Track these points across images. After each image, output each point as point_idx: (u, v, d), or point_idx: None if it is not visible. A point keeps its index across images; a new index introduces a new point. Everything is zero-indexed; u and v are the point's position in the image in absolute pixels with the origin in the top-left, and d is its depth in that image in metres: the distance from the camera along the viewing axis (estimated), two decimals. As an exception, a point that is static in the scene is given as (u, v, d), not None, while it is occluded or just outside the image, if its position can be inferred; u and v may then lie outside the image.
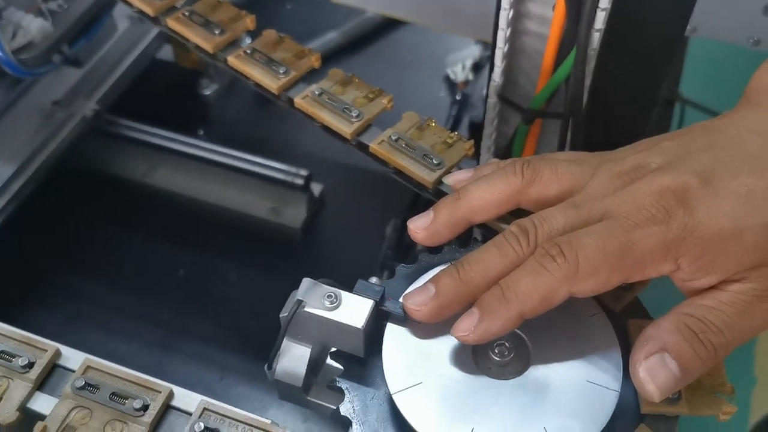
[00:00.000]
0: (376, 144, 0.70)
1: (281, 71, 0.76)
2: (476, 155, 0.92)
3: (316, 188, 1.24)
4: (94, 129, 1.21)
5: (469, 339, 0.53)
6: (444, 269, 0.56)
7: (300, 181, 1.18)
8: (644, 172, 0.54)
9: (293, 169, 1.19)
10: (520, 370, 0.55)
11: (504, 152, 0.92)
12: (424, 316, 0.55)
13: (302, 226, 1.22)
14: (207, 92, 1.39)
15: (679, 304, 0.53)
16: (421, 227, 0.60)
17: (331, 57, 1.44)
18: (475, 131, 1.29)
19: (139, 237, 1.24)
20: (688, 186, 0.52)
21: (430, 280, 0.56)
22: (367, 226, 1.22)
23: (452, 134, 0.72)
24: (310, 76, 0.78)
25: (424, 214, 0.60)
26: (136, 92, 1.28)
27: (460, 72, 1.42)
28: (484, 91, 1.36)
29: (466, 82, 1.42)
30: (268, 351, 0.62)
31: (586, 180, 0.56)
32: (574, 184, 0.57)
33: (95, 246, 1.22)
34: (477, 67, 1.44)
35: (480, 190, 0.59)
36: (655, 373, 0.50)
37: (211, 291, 1.19)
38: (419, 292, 0.56)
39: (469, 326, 0.53)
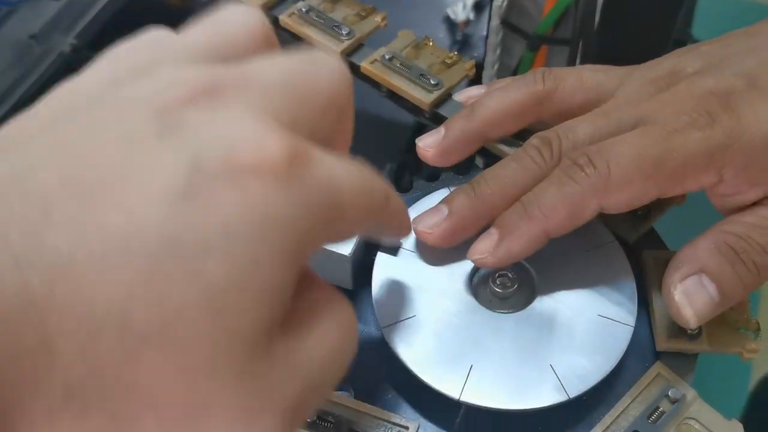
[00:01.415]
0: (367, 63, 0.64)
1: (265, -13, 0.70)
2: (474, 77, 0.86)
3: (309, 131, 1.18)
4: (73, 66, 1.14)
5: (488, 261, 0.48)
6: (457, 188, 0.51)
7: (291, 123, 1.12)
8: (682, 76, 0.49)
9: (284, 110, 1.13)
10: (524, 303, 0.50)
11: (507, 85, 0.86)
12: (437, 239, 0.49)
13: (294, 170, 1.16)
14: (194, 31, 1.32)
15: (719, 222, 0.48)
16: (431, 145, 0.54)
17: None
18: (479, 72, 1.23)
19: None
20: (733, 89, 0.46)
21: (442, 201, 0.51)
22: (362, 170, 1.16)
23: (452, 54, 0.66)
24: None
25: (433, 131, 0.55)
26: (118, 31, 1.21)
27: (460, 11, 1.35)
28: (486, 30, 1.30)
29: (467, 22, 1.34)
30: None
31: (614, 88, 0.51)
32: (601, 92, 0.52)
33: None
34: (478, 7, 1.36)
35: (496, 100, 0.53)
36: (692, 297, 0.45)
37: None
38: (430, 213, 0.50)
39: (487, 247, 0.47)
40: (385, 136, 1.14)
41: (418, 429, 0.47)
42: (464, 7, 1.35)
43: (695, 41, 1.27)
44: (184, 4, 1.33)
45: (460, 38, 1.32)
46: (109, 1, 1.17)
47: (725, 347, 0.49)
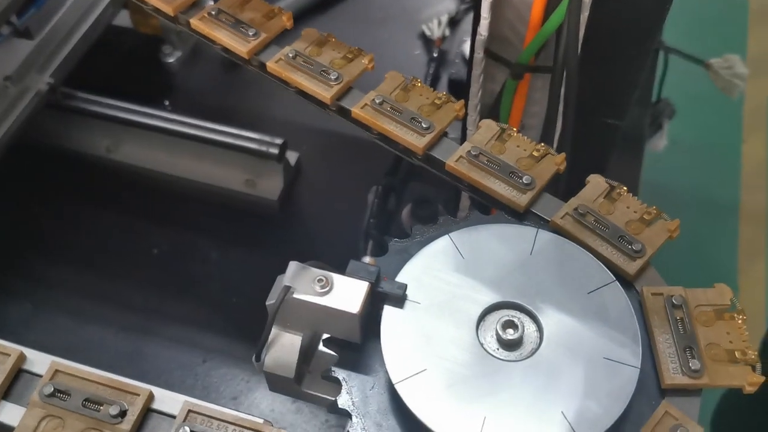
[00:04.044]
0: (358, 108, 0.65)
1: (251, 33, 0.70)
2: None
3: (292, 157, 1.18)
4: (51, 104, 1.13)
5: None
6: None
7: (274, 151, 1.12)
8: None
9: (267, 138, 1.13)
10: (531, 350, 0.51)
11: (491, 110, 0.87)
12: None
13: (279, 197, 1.16)
14: (170, 60, 1.31)
15: None
16: None
17: (297, 18, 1.36)
18: (456, 89, 1.24)
19: (108, 217, 1.18)
20: None
21: None
22: (348, 194, 1.17)
23: (440, 95, 0.66)
24: (282, 38, 0.72)
25: None
26: (93, 63, 1.20)
27: (436, 28, 1.36)
28: (463, 47, 1.31)
29: (443, 39, 1.36)
30: (251, 330, 0.57)
31: None
32: None
33: (61, 228, 1.16)
34: (453, 23, 1.38)
35: None
36: None
37: (188, 270, 1.14)
38: None
39: None
40: (371, 159, 1.15)
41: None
42: (440, 24, 1.36)
43: (667, 47, 1.30)
44: (157, 33, 1.32)
45: (437, 55, 1.33)
46: (83, 36, 1.15)
47: (726, 381, 0.51)
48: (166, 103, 1.28)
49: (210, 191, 1.17)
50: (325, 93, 0.66)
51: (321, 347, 0.57)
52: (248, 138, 1.13)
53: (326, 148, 1.24)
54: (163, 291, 1.12)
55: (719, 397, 1.31)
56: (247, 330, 0.59)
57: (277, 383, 0.57)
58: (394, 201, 1.11)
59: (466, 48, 1.26)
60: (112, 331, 1.07)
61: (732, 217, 1.90)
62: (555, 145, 0.85)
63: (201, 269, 1.13)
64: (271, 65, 0.68)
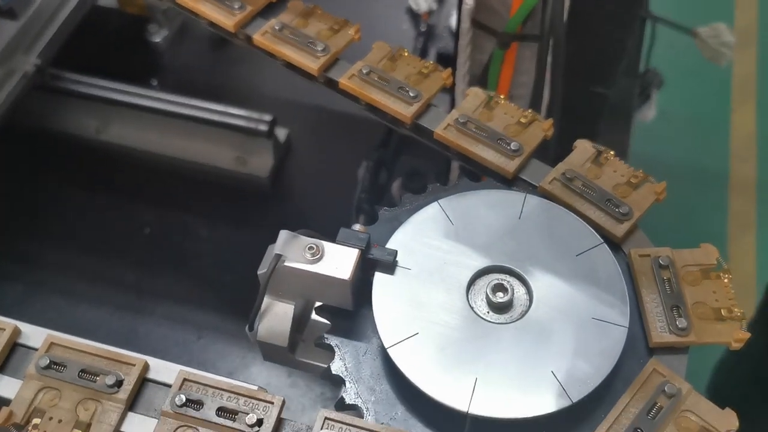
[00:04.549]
0: (346, 79, 0.65)
1: (236, 6, 0.69)
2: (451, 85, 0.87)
3: (281, 133, 1.18)
4: (38, 85, 1.12)
5: None
6: None
7: (264, 127, 1.12)
8: None
9: (256, 115, 1.13)
10: (521, 312, 0.52)
11: (479, 81, 0.87)
12: None
13: (270, 174, 1.16)
14: (157, 39, 1.31)
15: None
16: None
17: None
18: (444, 63, 1.24)
19: (99, 197, 1.18)
20: None
21: None
22: (338, 169, 1.17)
23: (427, 63, 0.66)
24: (268, 11, 0.72)
25: None
26: (79, 43, 1.19)
27: (422, 2, 1.35)
28: (450, 21, 1.31)
29: (430, 13, 1.35)
30: (244, 306, 0.57)
31: None
32: None
33: (52, 209, 1.16)
34: (440, -4, 1.37)
35: None
36: None
37: (180, 248, 1.14)
38: None
39: None
40: (361, 133, 1.15)
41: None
42: (426, -3, 1.35)
43: (655, 17, 1.29)
44: (142, 12, 1.31)
45: (425, 29, 1.33)
46: (68, 17, 1.14)
47: (713, 338, 0.52)
48: (154, 82, 1.27)
49: (200, 169, 1.17)
50: (312, 64, 0.66)
51: (314, 315, 0.58)
52: (237, 115, 1.13)
53: (316, 124, 1.24)
54: (155, 270, 1.12)
55: (711, 370, 1.33)
56: (241, 306, 0.59)
57: (270, 352, 0.58)
58: (385, 175, 1.12)
59: (454, 21, 1.25)
60: (106, 310, 1.08)
61: (722, 188, 1.91)
62: (543, 114, 0.85)
63: (193, 247, 1.13)
64: (257, 38, 0.68)
